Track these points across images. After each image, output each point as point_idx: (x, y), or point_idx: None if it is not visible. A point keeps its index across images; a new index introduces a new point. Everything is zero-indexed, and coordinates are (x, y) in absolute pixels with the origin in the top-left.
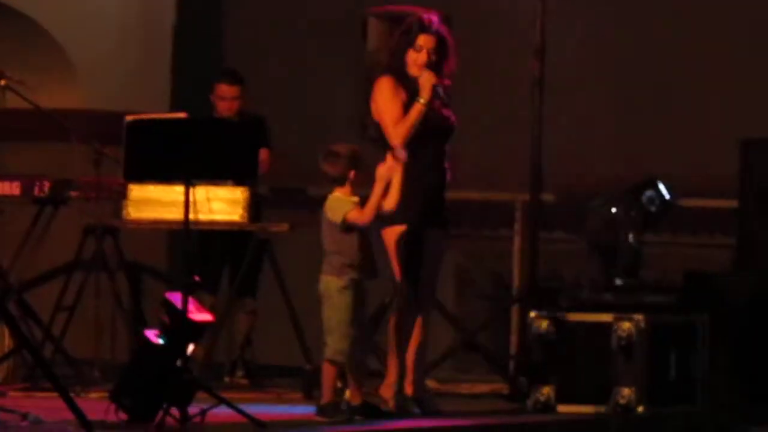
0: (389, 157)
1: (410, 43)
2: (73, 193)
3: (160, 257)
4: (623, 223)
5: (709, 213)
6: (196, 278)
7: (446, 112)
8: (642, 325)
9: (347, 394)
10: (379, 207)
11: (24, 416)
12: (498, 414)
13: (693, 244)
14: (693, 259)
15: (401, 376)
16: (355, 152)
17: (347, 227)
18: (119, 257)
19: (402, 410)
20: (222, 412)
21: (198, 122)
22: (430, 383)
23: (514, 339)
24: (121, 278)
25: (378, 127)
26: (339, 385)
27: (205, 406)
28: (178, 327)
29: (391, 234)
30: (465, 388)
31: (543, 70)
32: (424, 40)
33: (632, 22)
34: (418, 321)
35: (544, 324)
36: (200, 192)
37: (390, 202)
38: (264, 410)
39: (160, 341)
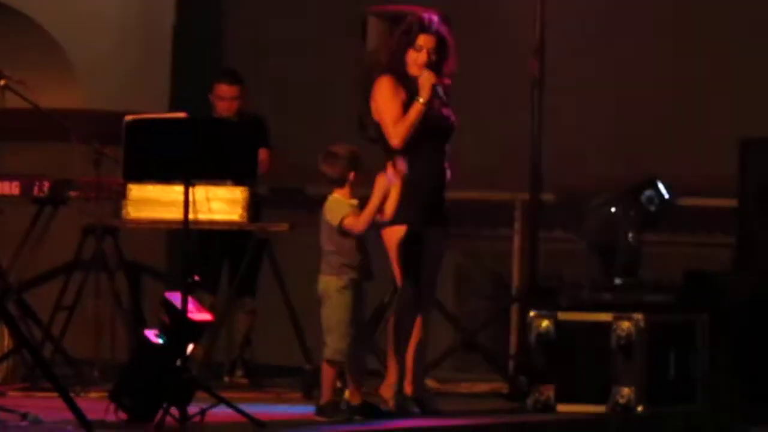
0: (389, 168)
1: (410, 43)
2: (72, 193)
3: (160, 257)
4: (623, 222)
5: (708, 212)
6: (196, 278)
7: (446, 111)
8: (641, 324)
9: (347, 393)
10: (376, 215)
11: (23, 416)
12: (498, 413)
13: (692, 244)
14: (692, 258)
15: (401, 376)
16: (354, 153)
17: (344, 231)
18: (119, 257)
19: (402, 410)
20: (221, 412)
21: (197, 122)
22: (430, 383)
23: (513, 338)
24: (120, 278)
25: (378, 127)
26: (338, 384)
27: (204, 406)
28: (178, 327)
29: (392, 234)
30: (465, 388)
31: (542, 69)
32: (424, 40)
33: (632, 22)
34: (418, 320)
35: (544, 323)
36: (200, 192)
37: (387, 212)
38: (263, 410)
39: (160, 341)
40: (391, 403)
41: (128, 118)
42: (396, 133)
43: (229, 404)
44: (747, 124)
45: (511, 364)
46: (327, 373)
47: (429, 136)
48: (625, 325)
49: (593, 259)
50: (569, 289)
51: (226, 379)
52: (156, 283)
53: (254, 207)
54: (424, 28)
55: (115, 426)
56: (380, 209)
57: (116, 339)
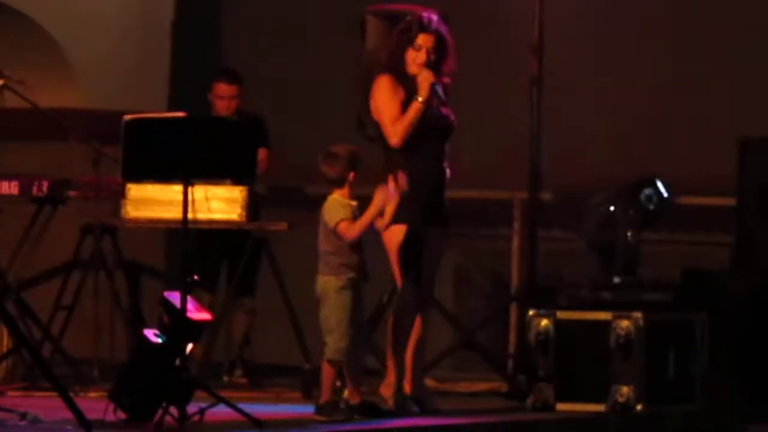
0: (391, 182)
1: (410, 42)
2: (71, 193)
3: (159, 256)
4: (621, 221)
5: (707, 211)
6: (195, 277)
7: (445, 111)
8: (640, 323)
9: (346, 393)
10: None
11: (23, 415)
12: (497, 412)
13: (691, 242)
14: (691, 257)
15: (400, 375)
16: (354, 153)
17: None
18: (118, 256)
19: (401, 409)
20: (221, 412)
21: (196, 121)
22: (429, 382)
23: (512, 337)
24: (119, 277)
25: (377, 126)
26: (338, 384)
27: (203, 405)
28: (177, 326)
29: (391, 234)
30: (464, 387)
31: (541, 68)
32: (423, 39)
33: (631, 22)
34: (417, 320)
35: (543, 323)
36: (199, 191)
37: (385, 221)
38: (263, 409)
39: (159, 340)
40: (391, 403)
41: (127, 117)
42: (395, 132)
43: (228, 404)
44: (746, 124)
45: (510, 363)
46: (327, 373)
47: (428, 135)
48: (624, 324)
49: (592, 258)
50: (568, 288)
51: (226, 378)
52: (155, 283)
53: (253, 206)
54: (424, 27)
55: (114, 425)
56: (377, 217)
57: (115, 338)
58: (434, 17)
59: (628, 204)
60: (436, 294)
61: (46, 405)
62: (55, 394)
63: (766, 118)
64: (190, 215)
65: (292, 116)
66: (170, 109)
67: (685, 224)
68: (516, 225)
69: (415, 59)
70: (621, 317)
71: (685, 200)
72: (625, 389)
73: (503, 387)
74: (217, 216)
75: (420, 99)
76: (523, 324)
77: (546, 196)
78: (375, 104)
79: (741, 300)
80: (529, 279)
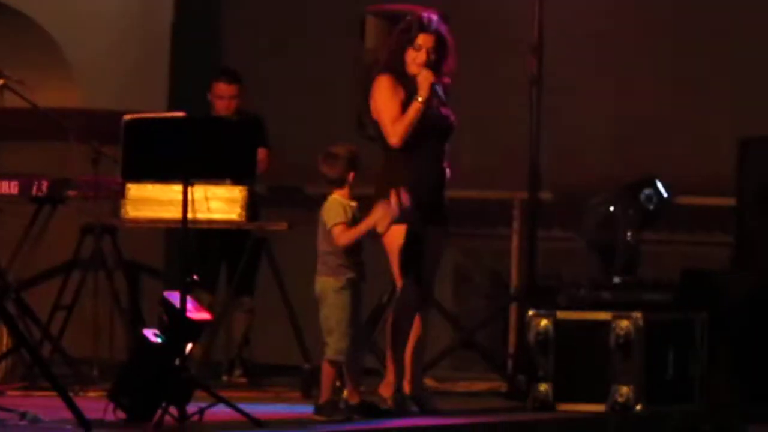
0: (393, 198)
1: (409, 42)
2: (71, 193)
3: (159, 256)
4: (621, 221)
5: (707, 211)
6: (195, 277)
7: (445, 111)
8: (640, 323)
9: (345, 393)
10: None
11: (22, 415)
12: (496, 412)
13: (691, 242)
14: (691, 257)
15: (400, 375)
16: (354, 154)
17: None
18: (117, 256)
19: (400, 409)
20: (220, 411)
21: (196, 121)
22: (429, 382)
23: (512, 337)
24: (119, 277)
25: (377, 126)
26: (337, 384)
27: (203, 405)
28: (177, 326)
29: (391, 234)
30: (463, 387)
31: (541, 68)
32: (423, 39)
33: (631, 21)
34: (417, 319)
35: (543, 322)
36: (198, 191)
37: (383, 229)
38: (262, 409)
39: (159, 340)
40: (390, 402)
41: (127, 117)
42: (395, 131)
43: (227, 403)
44: (746, 124)
45: (509, 362)
46: (327, 373)
47: (428, 135)
48: (624, 324)
49: (592, 258)
50: (568, 288)
51: (225, 378)
52: (155, 283)
53: (253, 206)
54: (424, 27)
55: (113, 425)
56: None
57: (115, 338)
58: (434, 17)
59: (628, 204)
60: (435, 294)
61: (46, 405)
62: (54, 393)
63: (765, 118)
64: (189, 215)
65: (292, 116)
66: (170, 109)
67: (684, 224)
68: (516, 225)
69: (415, 59)
70: (620, 317)
71: (685, 200)
72: (624, 389)
73: (503, 387)
74: (216, 216)
75: (420, 99)
76: (523, 324)
77: (546, 196)
78: (375, 104)
79: (741, 300)
80: (528, 279)
